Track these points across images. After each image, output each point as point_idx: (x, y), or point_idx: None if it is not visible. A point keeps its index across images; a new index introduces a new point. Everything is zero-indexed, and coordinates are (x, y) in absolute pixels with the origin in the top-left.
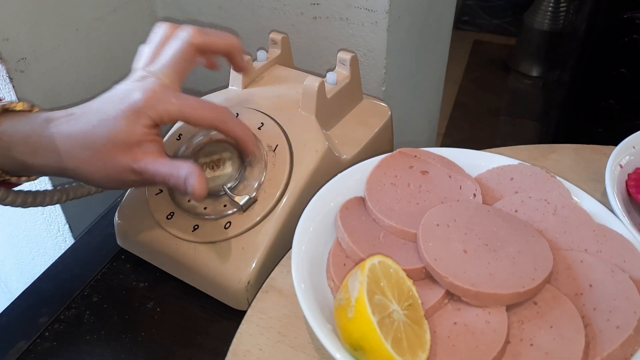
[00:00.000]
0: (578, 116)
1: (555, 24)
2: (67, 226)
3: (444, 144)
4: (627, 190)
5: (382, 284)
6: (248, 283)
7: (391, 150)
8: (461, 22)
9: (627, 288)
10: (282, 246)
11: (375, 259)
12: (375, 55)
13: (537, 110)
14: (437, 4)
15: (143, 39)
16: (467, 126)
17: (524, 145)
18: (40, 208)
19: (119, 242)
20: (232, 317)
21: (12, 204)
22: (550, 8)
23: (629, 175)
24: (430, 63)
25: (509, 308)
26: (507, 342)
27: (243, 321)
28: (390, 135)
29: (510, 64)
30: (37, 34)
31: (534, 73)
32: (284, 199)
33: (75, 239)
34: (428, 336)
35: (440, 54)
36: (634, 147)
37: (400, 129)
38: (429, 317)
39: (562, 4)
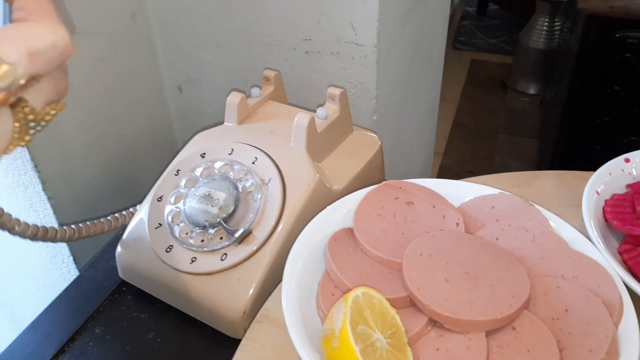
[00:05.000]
0: (575, 133)
1: (550, 43)
2: (71, 258)
3: (444, 163)
4: (604, 216)
5: (365, 314)
6: (244, 312)
7: (382, 179)
8: (458, 42)
9: (600, 313)
10: (276, 276)
11: (359, 290)
12: (366, 87)
13: (535, 128)
14: (428, 31)
15: (143, 77)
16: (466, 145)
17: (508, 173)
18: None
19: (120, 274)
20: (230, 345)
21: (22, 235)
22: (545, 27)
23: (605, 201)
24: (424, 86)
25: (488, 334)
26: None
27: (237, 351)
28: (380, 164)
29: (508, 83)
30: None
31: (531, 91)
32: (278, 230)
33: (79, 270)
34: None
35: (433, 76)
36: (610, 174)
37: (395, 154)
38: (413, 343)
39: (556, 23)
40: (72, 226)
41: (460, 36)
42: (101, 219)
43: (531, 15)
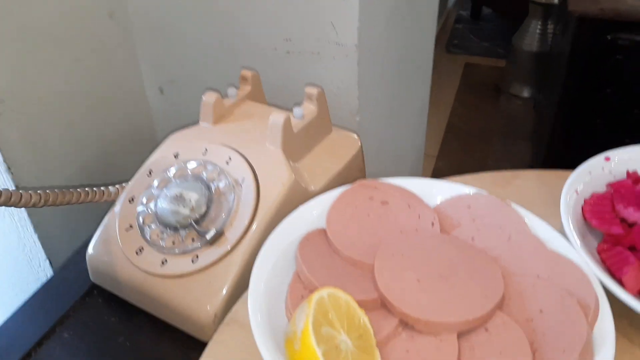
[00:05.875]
0: (568, 136)
1: (543, 46)
2: (47, 261)
3: (437, 166)
4: (583, 216)
5: (330, 315)
6: (215, 316)
7: None
8: (452, 45)
9: (574, 313)
10: (249, 279)
11: (324, 291)
12: (348, 87)
13: (529, 131)
14: (415, 32)
15: (123, 78)
16: (460, 149)
17: (488, 172)
18: (20, 243)
19: (91, 277)
20: (201, 349)
21: None
22: (538, 30)
23: (585, 200)
24: (412, 88)
25: (461, 335)
26: None
27: (203, 355)
28: (361, 165)
29: (502, 86)
30: (16, 76)
31: (525, 94)
32: (251, 231)
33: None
34: None
35: (422, 77)
36: (590, 173)
37: (383, 156)
38: (383, 346)
39: (549, 26)
40: (39, 192)
41: (453, 39)
42: (70, 189)
43: (524, 18)
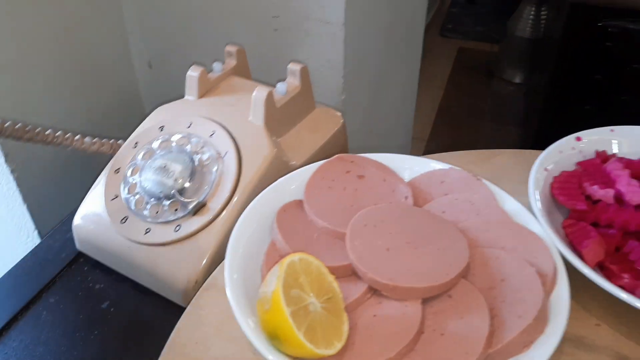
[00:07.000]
0: (556, 121)
1: (536, 31)
2: (36, 232)
3: (428, 149)
4: (551, 192)
5: (300, 279)
6: (196, 282)
7: None
8: (446, 29)
9: (532, 281)
10: None
11: (295, 256)
12: (334, 66)
13: (520, 116)
14: (404, 11)
15: (111, 50)
16: (451, 132)
17: (468, 151)
18: (8, 213)
19: (77, 245)
20: (181, 314)
21: None
22: (531, 15)
23: (554, 177)
24: (399, 70)
25: (425, 301)
26: (421, 332)
27: (182, 317)
28: (344, 142)
29: (494, 71)
30: (1, 46)
31: (517, 80)
32: (232, 203)
33: None
34: (346, 327)
35: (411, 58)
36: (560, 152)
37: (369, 136)
38: (352, 310)
39: (542, 12)
40: (9, 122)
41: (448, 23)
42: (49, 130)
43: (520, 3)
